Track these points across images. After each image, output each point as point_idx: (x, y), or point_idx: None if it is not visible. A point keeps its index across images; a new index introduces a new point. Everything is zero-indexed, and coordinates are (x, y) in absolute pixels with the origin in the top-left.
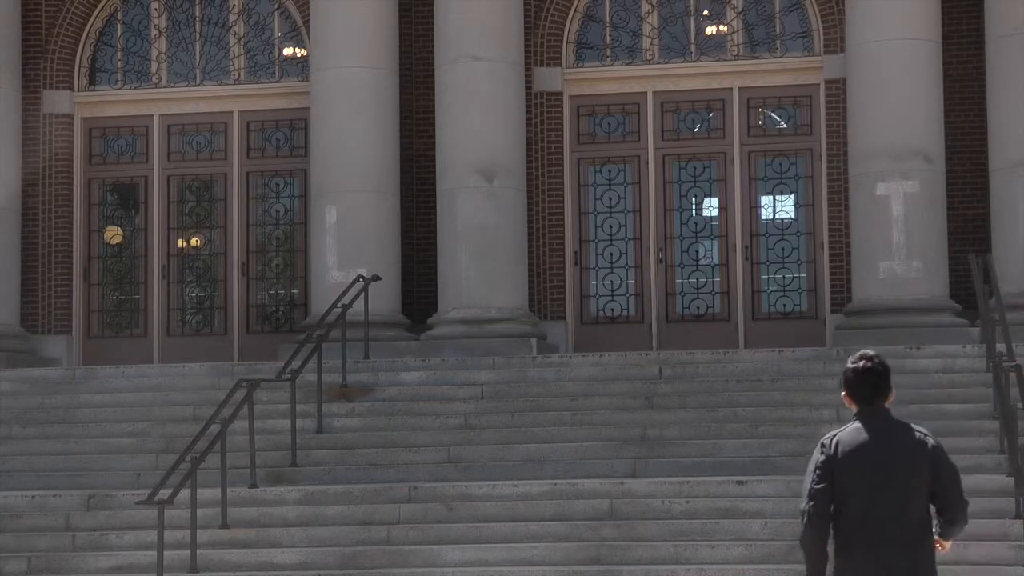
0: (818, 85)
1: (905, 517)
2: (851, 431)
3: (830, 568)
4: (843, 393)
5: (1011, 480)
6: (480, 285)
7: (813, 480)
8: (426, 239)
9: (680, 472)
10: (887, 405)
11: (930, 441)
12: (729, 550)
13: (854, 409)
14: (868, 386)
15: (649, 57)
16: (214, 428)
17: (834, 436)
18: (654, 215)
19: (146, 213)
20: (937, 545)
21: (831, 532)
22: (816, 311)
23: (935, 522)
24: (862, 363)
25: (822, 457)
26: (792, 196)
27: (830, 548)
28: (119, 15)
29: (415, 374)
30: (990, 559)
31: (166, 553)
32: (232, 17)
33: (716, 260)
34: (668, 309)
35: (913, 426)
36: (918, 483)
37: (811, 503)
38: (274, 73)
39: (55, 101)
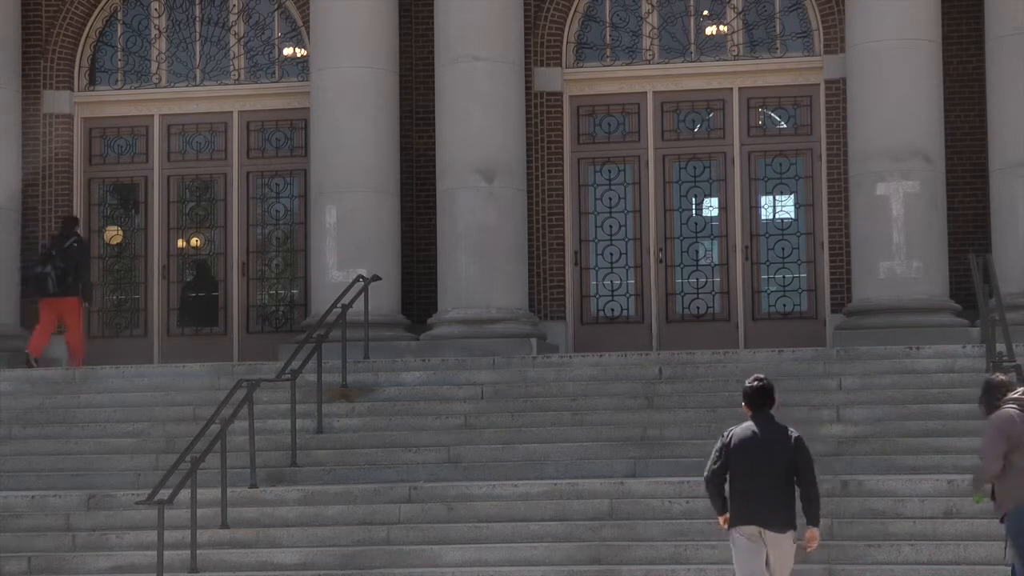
0: (818, 85)
1: (775, 482)
2: (744, 428)
3: (730, 506)
4: (743, 404)
5: None
6: (480, 285)
7: (712, 459)
8: (426, 239)
9: (680, 472)
10: (772, 411)
11: (794, 435)
12: (729, 550)
13: (749, 413)
14: (758, 398)
15: (649, 57)
16: (214, 428)
17: (731, 430)
18: (654, 215)
19: (146, 213)
20: (808, 543)
21: (727, 488)
22: (816, 311)
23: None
24: (756, 383)
25: (720, 444)
26: (792, 196)
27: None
28: (119, 15)
29: (415, 374)
30: (990, 559)
31: (166, 553)
32: (232, 17)
33: (716, 260)
34: (668, 309)
35: (787, 427)
36: (785, 461)
37: (709, 474)
38: (274, 73)
39: (55, 101)
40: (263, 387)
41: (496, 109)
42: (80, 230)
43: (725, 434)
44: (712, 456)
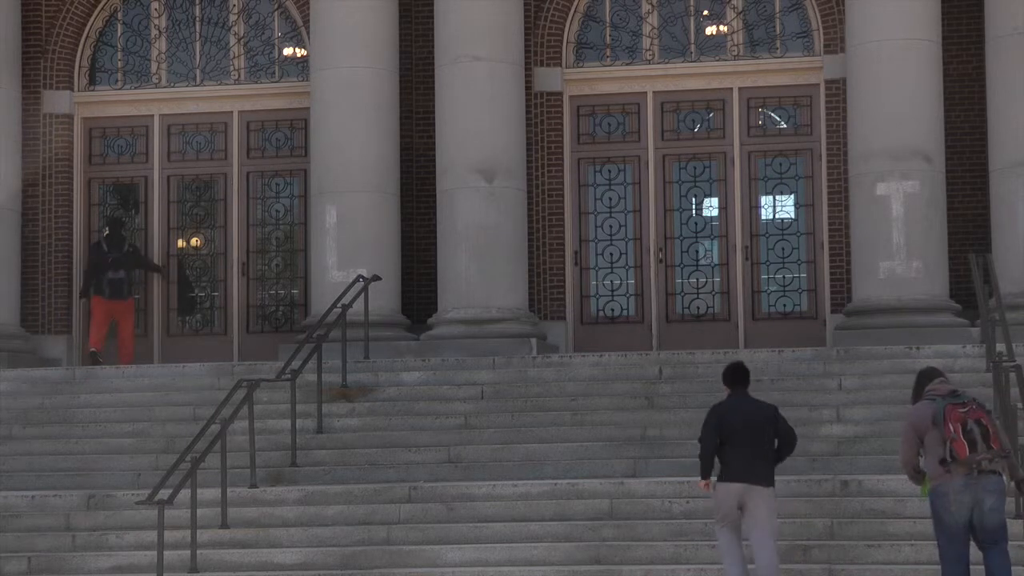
0: (818, 85)
1: (760, 448)
2: (730, 404)
3: (721, 467)
4: (723, 381)
5: (1010, 481)
6: (480, 285)
7: (708, 427)
8: (426, 239)
9: (680, 472)
10: (747, 389)
11: (773, 407)
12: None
13: (727, 391)
14: (738, 376)
15: (649, 57)
16: (214, 428)
17: (719, 407)
18: (654, 215)
19: (146, 213)
20: None
21: (718, 453)
22: (816, 311)
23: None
24: (735, 364)
25: (715, 416)
26: (792, 196)
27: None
28: (119, 15)
29: (415, 374)
30: None
31: (166, 553)
32: (232, 17)
33: (716, 260)
34: (668, 309)
35: (764, 401)
36: (768, 429)
37: (704, 438)
38: (274, 73)
39: (55, 101)
40: (263, 387)
41: (496, 109)
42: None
43: (716, 407)
44: (707, 427)
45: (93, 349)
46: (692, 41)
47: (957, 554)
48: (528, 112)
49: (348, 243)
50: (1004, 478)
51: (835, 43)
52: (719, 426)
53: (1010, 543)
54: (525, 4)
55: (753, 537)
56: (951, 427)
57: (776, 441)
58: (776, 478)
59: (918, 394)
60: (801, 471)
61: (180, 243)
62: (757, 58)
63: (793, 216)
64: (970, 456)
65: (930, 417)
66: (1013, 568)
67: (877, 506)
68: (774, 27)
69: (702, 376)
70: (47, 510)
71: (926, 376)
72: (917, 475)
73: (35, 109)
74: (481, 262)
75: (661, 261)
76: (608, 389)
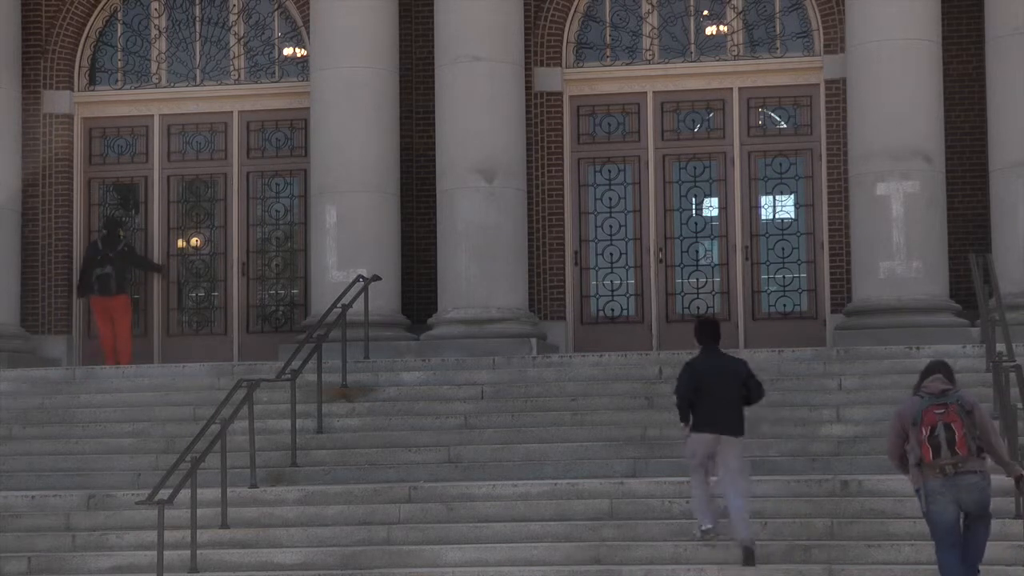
0: (818, 85)
1: (730, 401)
2: (703, 359)
3: (694, 418)
4: (695, 337)
5: (1011, 480)
6: (480, 285)
7: (683, 381)
8: (426, 239)
9: (680, 472)
10: (718, 345)
11: (743, 362)
12: (729, 550)
13: (699, 347)
14: (709, 332)
15: (649, 57)
16: (214, 428)
17: (694, 359)
18: (654, 215)
19: (146, 213)
20: None
21: (692, 403)
22: (816, 311)
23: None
24: (705, 320)
25: (688, 372)
26: (792, 196)
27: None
28: (119, 15)
29: (415, 374)
30: (990, 559)
31: (166, 553)
32: (232, 17)
33: (716, 260)
34: (668, 309)
35: (735, 356)
36: (737, 381)
37: (680, 391)
38: (274, 73)
39: (55, 101)
40: (263, 387)
41: (496, 109)
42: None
43: (689, 361)
44: (682, 380)
45: (106, 355)
46: (692, 41)
47: (952, 542)
48: (528, 112)
49: (348, 243)
50: (985, 476)
51: (835, 43)
52: (692, 381)
53: (1010, 543)
54: (525, 4)
55: (724, 484)
56: (923, 430)
57: (746, 388)
58: (776, 478)
59: (918, 388)
60: (801, 471)
61: (180, 243)
62: (757, 58)
63: (793, 216)
64: (934, 461)
65: (911, 416)
66: (1013, 568)
67: (877, 506)
68: (774, 27)
69: None
70: (47, 510)
71: (928, 371)
72: (903, 466)
73: (35, 109)
74: (481, 262)
75: (661, 261)
76: (608, 389)
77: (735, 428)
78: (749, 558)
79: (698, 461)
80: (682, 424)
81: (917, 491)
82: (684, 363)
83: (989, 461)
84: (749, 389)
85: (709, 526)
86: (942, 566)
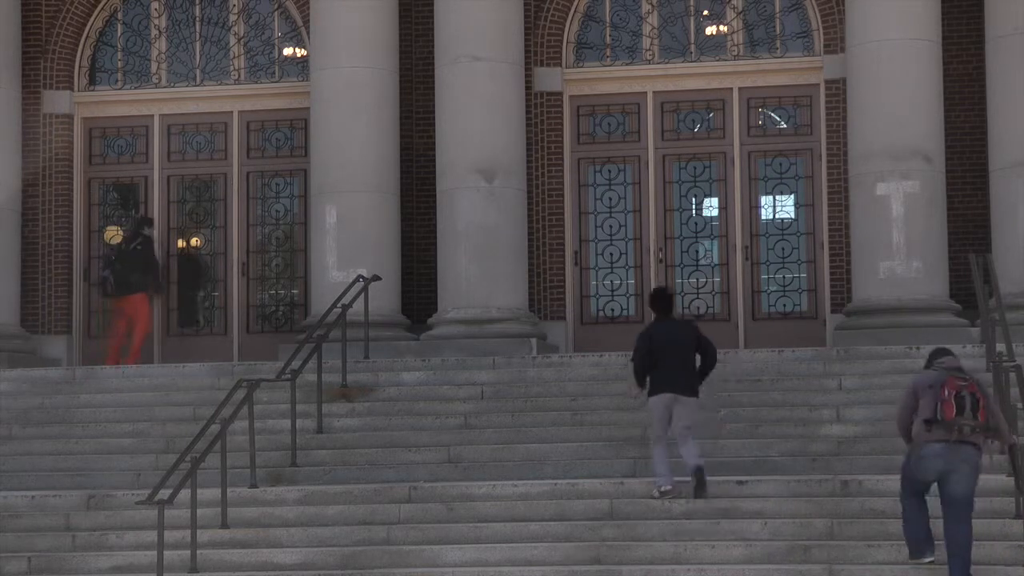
0: (818, 85)
1: (685, 364)
2: (659, 327)
3: (651, 381)
4: (650, 306)
5: (1011, 480)
6: (480, 285)
7: (638, 348)
8: (426, 239)
9: (680, 472)
10: (671, 314)
11: (694, 325)
12: (729, 550)
13: (655, 315)
14: (664, 302)
15: (649, 57)
16: (214, 428)
17: (648, 328)
18: (654, 215)
19: (146, 213)
20: None
21: (649, 369)
22: (816, 311)
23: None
24: (659, 290)
25: (643, 341)
26: (792, 196)
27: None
28: (119, 15)
29: (415, 374)
30: (990, 559)
31: (166, 553)
32: (232, 17)
33: (716, 260)
34: None
35: (689, 321)
36: (691, 345)
37: (639, 363)
38: (274, 73)
39: (55, 101)
40: (263, 387)
41: (496, 109)
42: (150, 230)
43: (643, 331)
44: (637, 345)
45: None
46: (692, 41)
47: (918, 491)
48: (528, 112)
49: (348, 243)
50: (982, 452)
51: (835, 43)
52: (648, 348)
53: (1010, 543)
54: (525, 4)
55: (677, 434)
56: (946, 391)
57: (699, 349)
58: (776, 478)
59: (930, 364)
60: (801, 471)
61: (180, 243)
62: (757, 58)
63: (793, 216)
64: (955, 418)
65: (930, 382)
66: (1013, 568)
67: (877, 506)
68: (774, 27)
69: None
70: (47, 510)
71: (937, 352)
72: (910, 436)
73: (35, 109)
74: (481, 262)
75: (661, 261)
76: (608, 389)
77: (690, 389)
78: (700, 485)
79: (661, 428)
80: (638, 389)
81: (909, 455)
82: (638, 333)
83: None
84: (703, 347)
85: (668, 487)
86: (905, 509)
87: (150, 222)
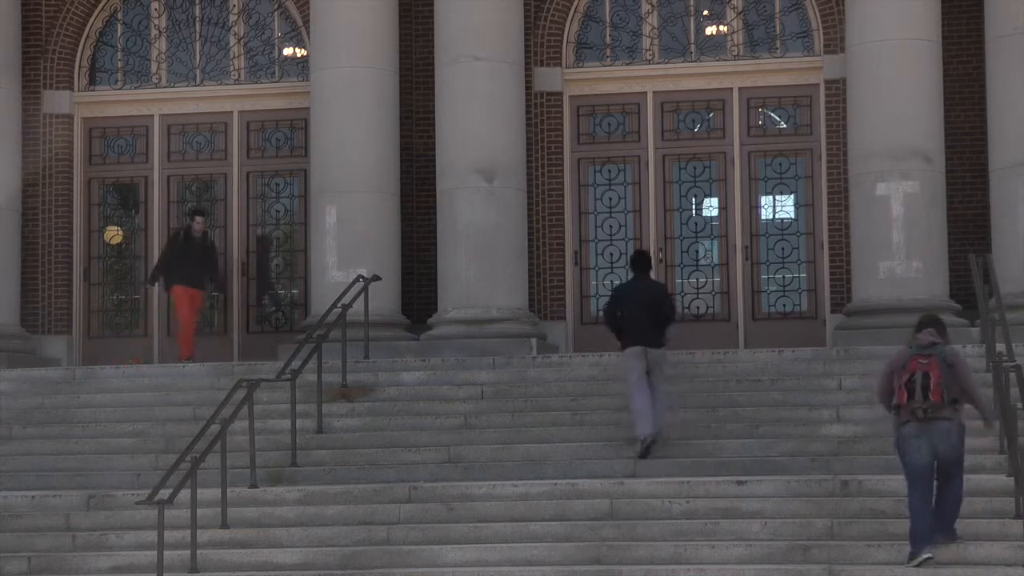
0: (818, 85)
1: (653, 318)
2: (630, 284)
3: (624, 334)
4: (629, 265)
5: (1011, 480)
6: (480, 285)
7: (608, 304)
8: (426, 239)
9: (680, 472)
10: (648, 274)
11: (662, 286)
12: (729, 550)
13: (631, 274)
14: (641, 262)
15: (649, 57)
16: (214, 428)
17: (620, 285)
18: (654, 215)
19: (146, 213)
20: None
21: (618, 324)
22: (816, 311)
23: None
24: (639, 251)
25: (614, 295)
26: (792, 196)
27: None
28: (119, 15)
29: (415, 374)
30: (990, 559)
31: (166, 553)
32: (232, 17)
33: (716, 260)
34: None
35: (660, 282)
36: (659, 303)
37: (609, 316)
38: (274, 73)
39: (55, 101)
40: (263, 387)
41: (496, 109)
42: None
43: (615, 291)
44: (608, 301)
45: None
46: (692, 41)
47: (923, 485)
48: (528, 112)
49: (348, 243)
50: (955, 421)
51: (835, 43)
52: (617, 302)
53: (1010, 543)
54: (525, 4)
55: (652, 390)
56: (904, 376)
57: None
58: (776, 478)
59: (911, 339)
60: (801, 471)
61: None
62: (757, 58)
63: (793, 216)
64: (907, 404)
65: (900, 363)
66: (1013, 568)
67: (877, 506)
68: (774, 27)
69: (702, 376)
70: (47, 510)
71: (921, 324)
72: (891, 409)
73: (35, 109)
74: (481, 262)
75: (661, 261)
76: (608, 389)
77: (657, 341)
78: (645, 451)
79: (636, 375)
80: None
81: (895, 434)
82: (612, 290)
83: (965, 412)
84: (664, 308)
85: (649, 432)
86: (912, 507)
87: (201, 212)
